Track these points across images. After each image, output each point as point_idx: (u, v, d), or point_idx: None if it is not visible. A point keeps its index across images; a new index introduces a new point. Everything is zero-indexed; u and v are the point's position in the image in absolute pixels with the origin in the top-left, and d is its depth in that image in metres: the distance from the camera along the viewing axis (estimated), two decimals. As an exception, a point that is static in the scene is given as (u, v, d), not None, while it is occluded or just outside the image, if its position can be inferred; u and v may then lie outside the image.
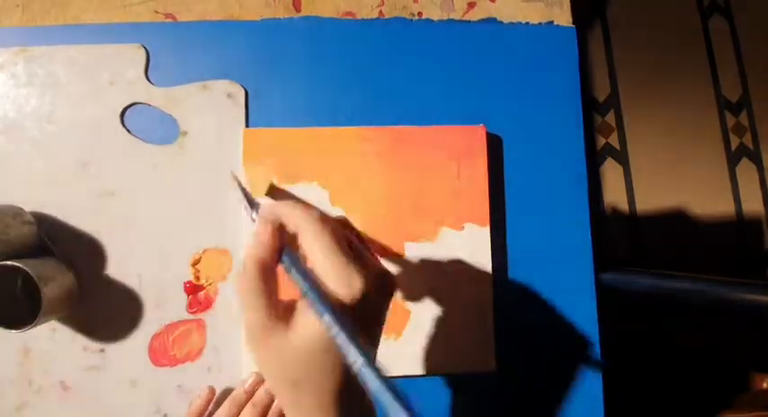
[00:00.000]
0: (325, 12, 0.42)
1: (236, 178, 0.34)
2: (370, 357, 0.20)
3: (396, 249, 0.39)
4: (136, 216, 0.39)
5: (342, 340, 0.20)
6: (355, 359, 0.20)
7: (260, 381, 0.36)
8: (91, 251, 0.38)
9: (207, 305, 0.38)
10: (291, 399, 0.23)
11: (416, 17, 0.43)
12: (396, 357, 0.38)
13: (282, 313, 0.23)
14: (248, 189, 0.31)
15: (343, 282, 0.22)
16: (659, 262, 1.11)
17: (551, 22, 0.44)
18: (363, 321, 0.23)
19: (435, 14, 0.43)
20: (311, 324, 0.22)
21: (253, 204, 0.29)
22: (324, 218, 0.24)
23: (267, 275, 0.23)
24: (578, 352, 0.40)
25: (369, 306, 0.23)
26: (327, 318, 0.21)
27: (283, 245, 0.24)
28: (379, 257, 0.28)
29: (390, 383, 0.19)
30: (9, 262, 0.32)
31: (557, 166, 0.42)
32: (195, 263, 0.38)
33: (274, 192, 0.38)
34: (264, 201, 0.28)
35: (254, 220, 0.28)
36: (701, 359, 1.02)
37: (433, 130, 0.40)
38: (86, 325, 0.37)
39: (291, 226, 0.24)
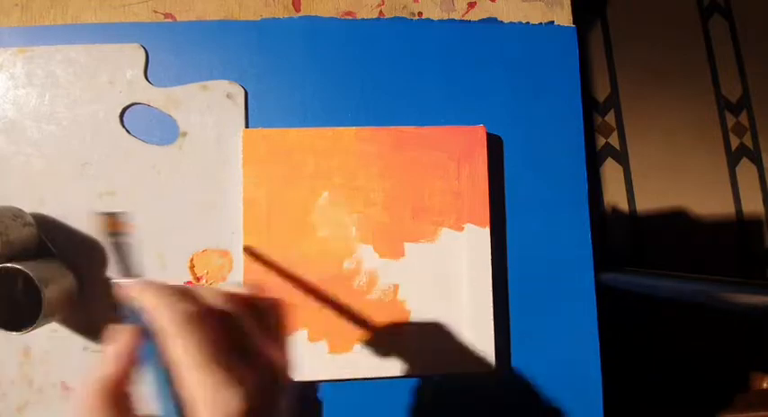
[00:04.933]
0: (324, 11, 0.42)
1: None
2: None
3: (396, 249, 0.39)
4: (136, 216, 0.38)
5: None
6: None
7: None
8: (91, 251, 0.38)
9: (207, 305, 0.38)
10: None
11: (416, 17, 0.43)
12: (396, 357, 0.38)
13: None
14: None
15: (217, 407, 0.19)
16: (659, 262, 1.11)
17: (552, 22, 0.44)
18: None
19: (435, 14, 0.43)
20: None
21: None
22: (192, 315, 0.20)
23: (115, 399, 0.20)
24: (578, 352, 0.40)
25: None
26: None
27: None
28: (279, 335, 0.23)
29: None
30: (9, 264, 0.32)
31: (557, 166, 0.42)
32: (195, 264, 0.38)
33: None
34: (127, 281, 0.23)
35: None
36: (700, 359, 1.02)
37: (432, 131, 0.40)
38: (86, 326, 0.37)
39: (156, 324, 0.20)
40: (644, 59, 1.22)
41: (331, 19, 0.42)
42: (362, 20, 0.42)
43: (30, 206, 0.37)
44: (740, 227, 1.18)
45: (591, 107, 1.20)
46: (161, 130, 0.40)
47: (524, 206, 0.41)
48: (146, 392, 0.20)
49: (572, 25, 0.44)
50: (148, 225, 0.38)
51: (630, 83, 1.21)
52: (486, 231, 0.39)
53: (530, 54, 0.43)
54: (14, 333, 0.32)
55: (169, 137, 0.40)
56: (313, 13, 0.42)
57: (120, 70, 0.40)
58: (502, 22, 0.43)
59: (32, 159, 0.39)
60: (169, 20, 0.41)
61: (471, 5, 0.43)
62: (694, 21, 1.27)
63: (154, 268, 0.38)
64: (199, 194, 0.39)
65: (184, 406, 0.19)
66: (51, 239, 0.37)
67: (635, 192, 1.16)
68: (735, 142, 1.22)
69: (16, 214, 0.35)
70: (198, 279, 0.38)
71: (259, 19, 0.42)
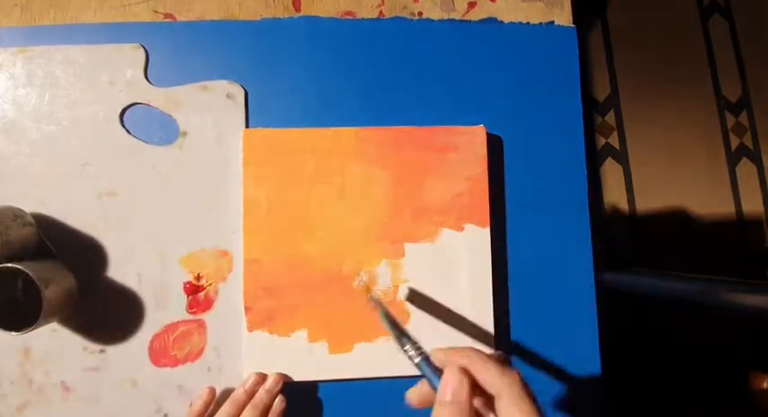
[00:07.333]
0: (325, 11, 0.42)
1: (379, 304, 0.33)
2: None
3: (396, 249, 0.38)
4: (136, 216, 0.38)
5: None
6: None
7: (260, 381, 0.36)
8: (91, 251, 0.38)
9: (207, 305, 0.38)
10: None
11: (416, 17, 0.43)
12: (396, 357, 0.38)
13: None
14: (394, 318, 0.31)
15: None
16: (659, 262, 1.11)
17: (552, 22, 0.44)
18: None
19: (435, 14, 0.43)
20: None
21: (403, 336, 0.28)
22: (524, 383, 0.23)
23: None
24: (578, 352, 0.40)
25: None
26: None
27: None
28: None
29: None
30: (10, 265, 0.32)
31: (557, 166, 0.42)
32: (195, 264, 0.38)
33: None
34: (438, 351, 0.27)
35: (405, 352, 0.28)
36: (701, 359, 1.02)
37: (432, 130, 0.40)
38: (87, 326, 0.37)
39: (488, 388, 0.24)
40: (644, 59, 1.22)
41: (331, 19, 0.42)
42: (362, 20, 0.42)
43: (30, 206, 0.37)
44: (740, 227, 1.18)
45: (591, 107, 1.20)
46: (161, 130, 0.40)
47: (524, 206, 0.41)
48: None
49: (572, 25, 0.44)
50: (148, 225, 0.38)
51: (630, 83, 1.21)
52: (486, 231, 0.39)
53: (530, 54, 0.43)
54: (14, 333, 0.32)
55: (169, 137, 0.40)
56: (313, 13, 0.42)
57: (120, 70, 0.40)
58: (502, 22, 0.43)
59: (32, 159, 0.39)
60: (169, 20, 0.41)
61: (471, 5, 0.43)
62: (694, 21, 1.27)
63: (154, 268, 0.38)
64: (199, 194, 0.39)
65: None
66: (51, 239, 0.37)
67: (635, 192, 1.16)
68: (735, 142, 1.22)
69: (16, 214, 0.35)
70: (198, 279, 0.38)
71: (259, 19, 0.42)
